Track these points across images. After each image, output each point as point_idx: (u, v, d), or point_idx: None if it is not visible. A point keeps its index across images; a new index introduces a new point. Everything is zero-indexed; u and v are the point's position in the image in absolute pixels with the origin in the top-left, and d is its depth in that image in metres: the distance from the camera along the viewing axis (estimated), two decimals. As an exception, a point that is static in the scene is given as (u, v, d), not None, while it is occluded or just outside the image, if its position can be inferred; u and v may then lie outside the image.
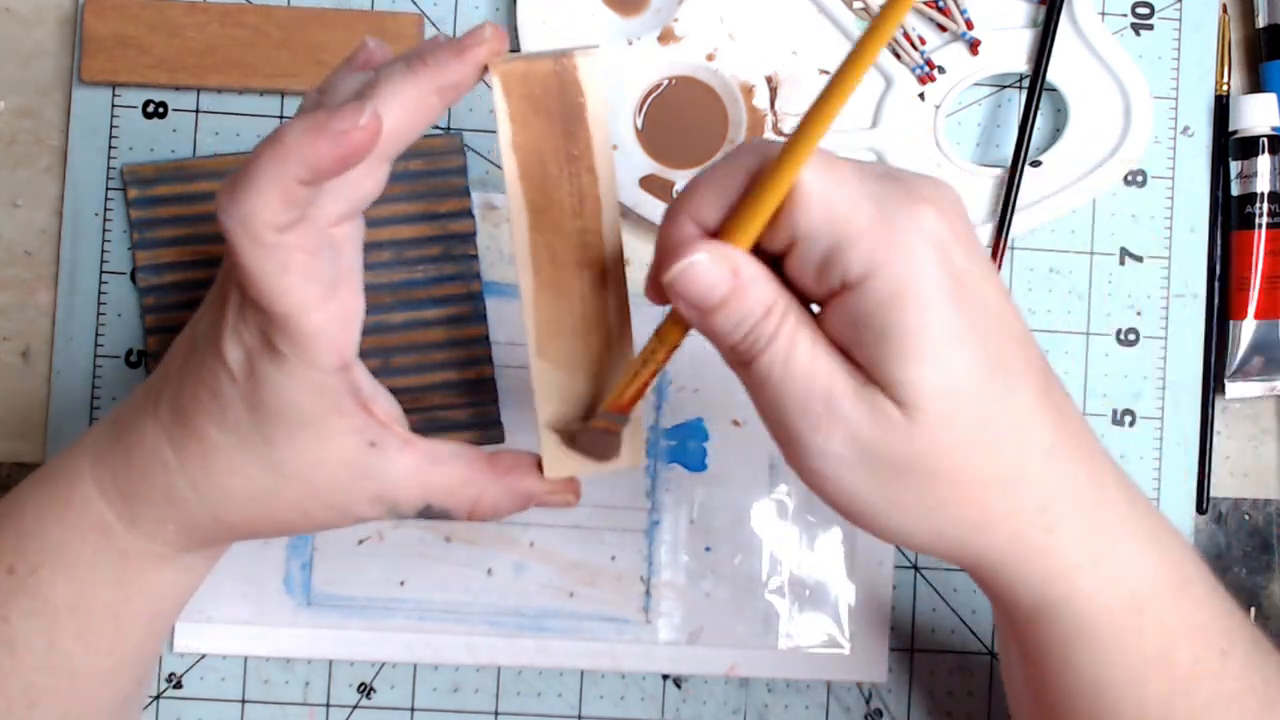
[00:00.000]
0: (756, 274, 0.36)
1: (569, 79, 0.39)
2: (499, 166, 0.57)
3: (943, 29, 0.58)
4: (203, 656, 0.56)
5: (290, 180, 0.36)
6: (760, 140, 0.37)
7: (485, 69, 0.38)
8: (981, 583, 0.41)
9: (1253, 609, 0.60)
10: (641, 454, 0.43)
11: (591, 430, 0.41)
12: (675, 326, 0.38)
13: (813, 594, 0.57)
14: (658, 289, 0.38)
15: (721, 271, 0.35)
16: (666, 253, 0.37)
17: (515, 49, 0.56)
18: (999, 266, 0.57)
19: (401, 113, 0.38)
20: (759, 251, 0.36)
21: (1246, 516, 0.60)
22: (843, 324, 0.36)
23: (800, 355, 0.36)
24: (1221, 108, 0.59)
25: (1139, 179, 0.59)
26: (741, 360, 0.37)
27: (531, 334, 0.41)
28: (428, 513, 0.42)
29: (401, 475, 0.41)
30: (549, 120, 0.39)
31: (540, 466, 0.43)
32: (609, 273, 0.41)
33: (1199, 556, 0.43)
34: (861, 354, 0.36)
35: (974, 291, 0.36)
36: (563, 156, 0.39)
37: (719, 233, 0.36)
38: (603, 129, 0.40)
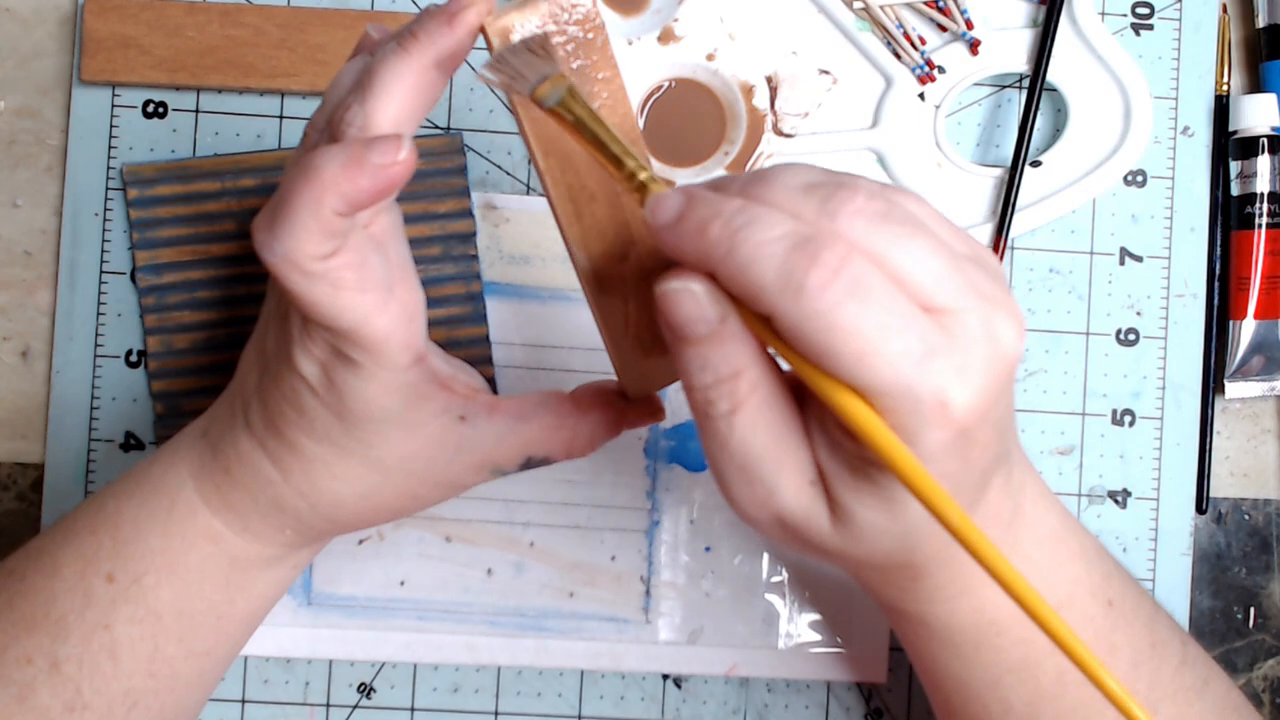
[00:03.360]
0: (740, 336, 0.34)
1: (568, 14, 0.38)
2: (499, 166, 0.57)
3: (943, 29, 0.58)
4: (203, 656, 0.56)
5: (329, 214, 0.35)
6: (825, 271, 0.31)
7: (481, 30, 0.37)
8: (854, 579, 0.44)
9: (1252, 609, 0.60)
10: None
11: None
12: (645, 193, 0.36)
13: (813, 594, 0.57)
14: (661, 229, 0.35)
15: (710, 313, 0.33)
16: (680, 250, 0.34)
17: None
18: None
19: (404, 93, 0.37)
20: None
21: (1246, 516, 0.60)
22: (824, 429, 0.34)
23: (756, 441, 0.34)
24: (1221, 108, 0.59)
25: (1139, 179, 0.59)
26: (696, 409, 0.35)
27: (581, 262, 0.39)
28: (529, 464, 0.43)
29: (496, 439, 0.42)
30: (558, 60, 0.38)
31: (618, 391, 0.43)
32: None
33: (1107, 571, 0.44)
34: (826, 461, 0.34)
35: (963, 457, 0.34)
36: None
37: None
38: (609, 47, 0.39)
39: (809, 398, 0.35)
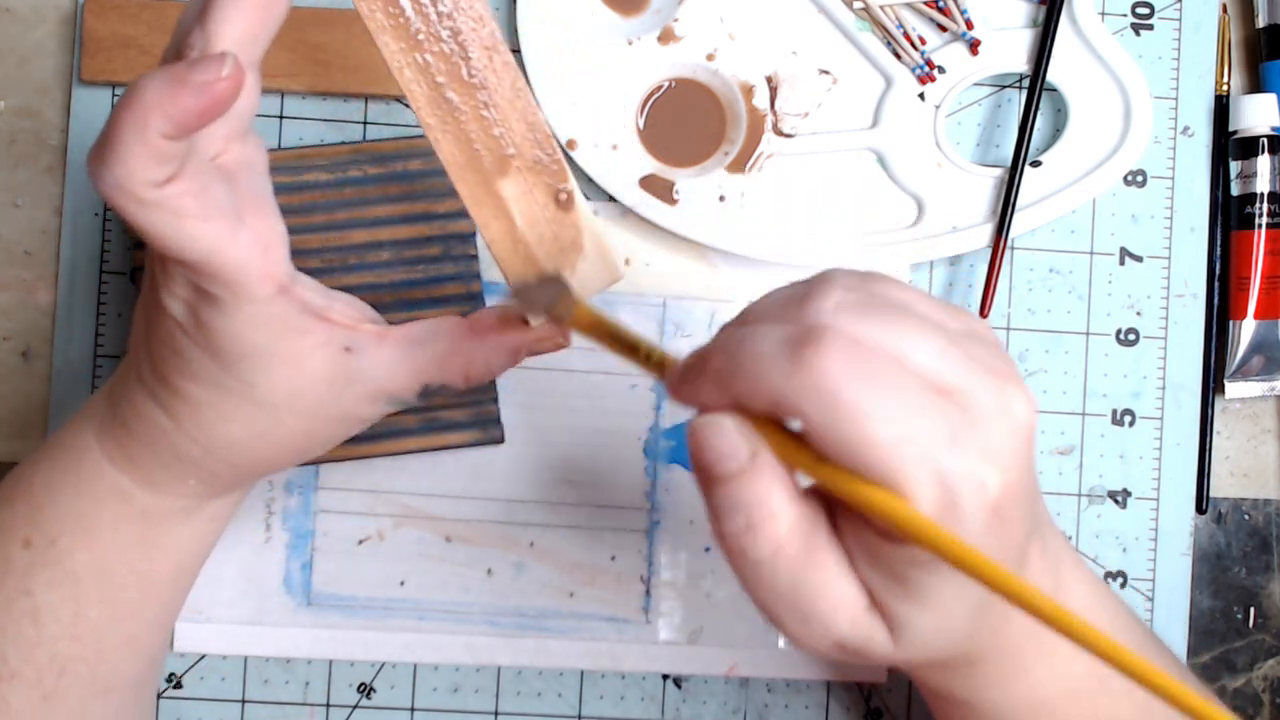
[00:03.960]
0: (774, 471, 0.33)
1: None
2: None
3: (943, 29, 0.58)
4: (203, 656, 0.56)
5: (155, 138, 0.34)
6: (825, 344, 0.31)
7: None
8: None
9: (1252, 609, 0.60)
10: (618, 265, 0.42)
11: (544, 280, 0.41)
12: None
13: (813, 594, 0.57)
14: (679, 389, 0.35)
15: (741, 447, 0.33)
16: (701, 399, 0.34)
17: (515, 50, 0.56)
18: (999, 267, 0.57)
19: (245, 17, 0.36)
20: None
21: (1246, 516, 0.60)
22: (862, 543, 0.34)
23: (805, 578, 0.34)
24: (1221, 108, 0.59)
25: (1139, 179, 0.59)
26: (731, 553, 0.34)
27: (466, 195, 0.41)
28: (427, 392, 0.42)
29: (387, 368, 0.41)
30: None
31: (520, 315, 0.42)
32: (524, 117, 0.41)
33: (1138, 636, 0.44)
34: (870, 578, 0.34)
35: (999, 537, 0.33)
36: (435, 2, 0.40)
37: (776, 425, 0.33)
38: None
39: (844, 525, 0.34)
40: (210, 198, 0.36)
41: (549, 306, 0.39)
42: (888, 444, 0.31)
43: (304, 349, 0.40)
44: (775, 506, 0.33)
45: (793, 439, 0.33)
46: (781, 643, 0.57)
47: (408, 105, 0.57)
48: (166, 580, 0.45)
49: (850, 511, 0.34)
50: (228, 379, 0.40)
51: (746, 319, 0.34)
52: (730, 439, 0.33)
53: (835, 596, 0.34)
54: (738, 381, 0.32)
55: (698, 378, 0.34)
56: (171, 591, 0.46)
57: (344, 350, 0.40)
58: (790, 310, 0.33)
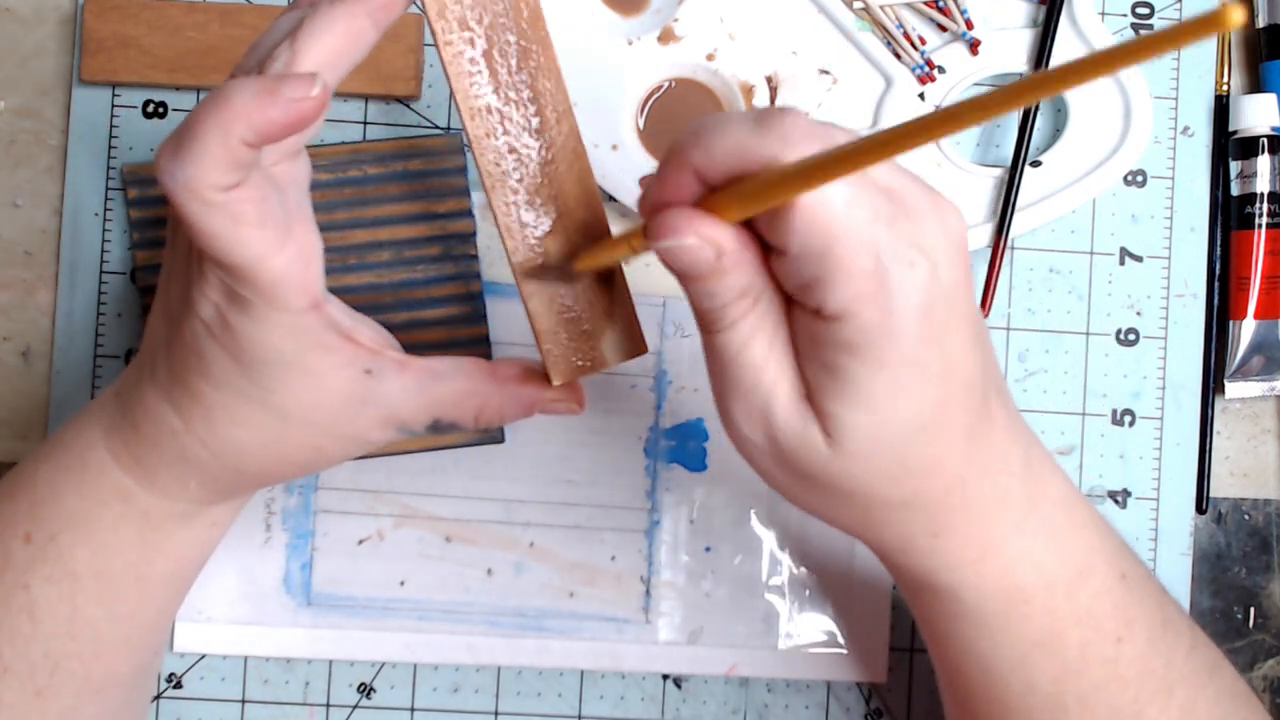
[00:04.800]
0: (740, 260, 0.36)
1: None
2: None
3: (943, 29, 0.58)
4: (203, 656, 0.56)
5: (236, 143, 0.35)
6: (793, 115, 0.34)
7: None
8: (879, 557, 0.43)
9: (1252, 609, 0.60)
10: (644, 341, 0.43)
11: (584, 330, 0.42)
12: (647, 241, 0.38)
13: (813, 594, 0.57)
14: (643, 210, 0.38)
15: (708, 253, 0.35)
16: (663, 199, 0.36)
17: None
18: (999, 267, 0.57)
19: (334, 39, 0.38)
20: (750, 224, 0.36)
21: (1246, 516, 0.60)
22: (806, 333, 0.36)
23: (755, 349, 0.37)
24: (1221, 108, 0.59)
25: (1139, 179, 0.59)
26: (701, 325, 0.38)
27: (511, 253, 0.41)
28: (436, 426, 0.43)
29: (403, 396, 0.42)
30: (489, 22, 0.40)
31: (542, 373, 0.43)
32: (581, 182, 0.41)
33: (1117, 544, 0.44)
34: (810, 369, 0.36)
35: (936, 345, 0.36)
36: (510, 55, 0.40)
37: (715, 195, 0.35)
38: (543, 19, 0.40)
39: (793, 323, 0.37)
40: (268, 207, 0.37)
41: None
42: (836, 204, 0.33)
43: (326, 365, 0.40)
44: (742, 287, 0.36)
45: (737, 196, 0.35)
46: (782, 643, 0.57)
47: (410, 107, 0.57)
48: (164, 582, 0.45)
49: (799, 310, 0.36)
50: (246, 384, 0.40)
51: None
52: (697, 252, 0.35)
53: (775, 374, 0.37)
54: (703, 151, 0.35)
55: (666, 172, 0.36)
56: (169, 594, 0.46)
57: (365, 373, 0.41)
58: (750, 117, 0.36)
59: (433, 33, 0.40)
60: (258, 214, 0.37)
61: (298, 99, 0.35)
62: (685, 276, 0.36)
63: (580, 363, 0.42)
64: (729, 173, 0.35)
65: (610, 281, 0.42)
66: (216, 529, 0.46)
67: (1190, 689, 0.44)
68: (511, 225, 0.41)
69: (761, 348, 0.36)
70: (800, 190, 0.33)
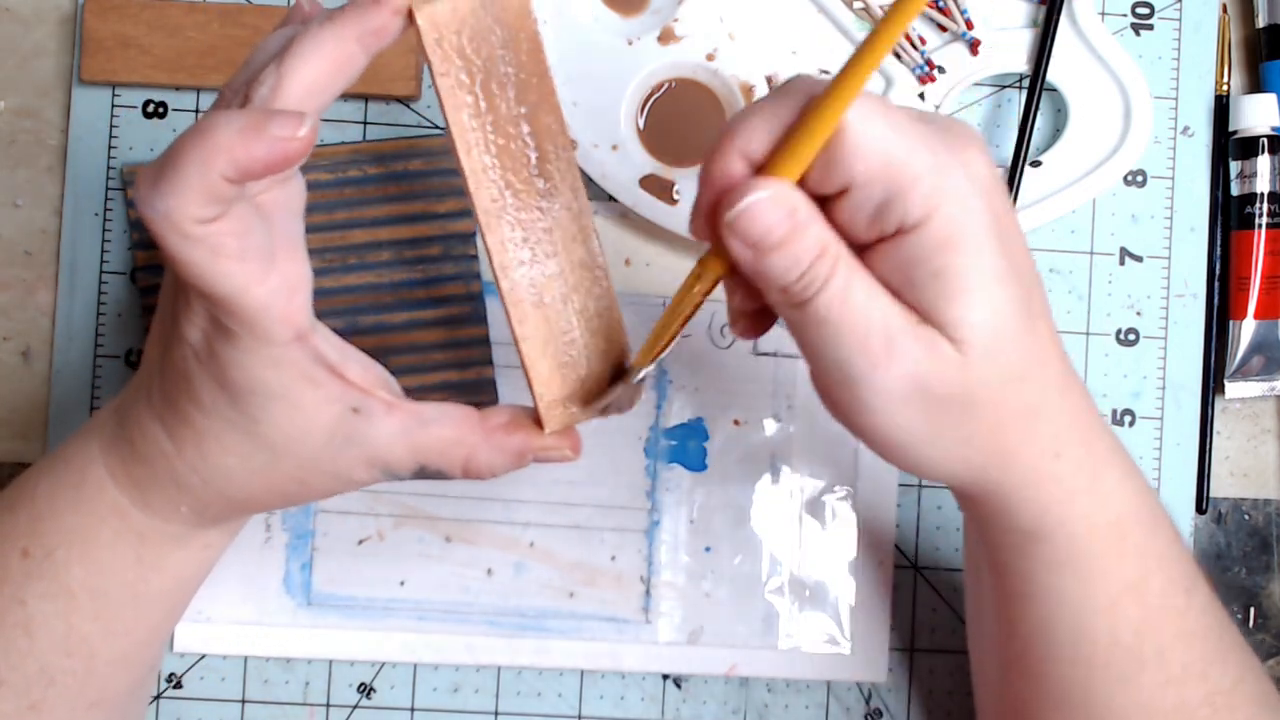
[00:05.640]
0: (812, 214, 0.36)
1: (500, 5, 0.38)
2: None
3: (943, 29, 0.58)
4: (203, 656, 0.56)
5: (216, 178, 0.35)
6: (806, 76, 0.37)
7: (409, 14, 0.37)
8: (982, 514, 0.43)
9: (1252, 609, 0.60)
10: (640, 387, 0.43)
11: (622, 387, 0.41)
12: (717, 260, 0.38)
13: (813, 594, 0.57)
14: (701, 225, 0.38)
15: (780, 212, 0.35)
16: (717, 189, 0.37)
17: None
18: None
19: (321, 63, 0.37)
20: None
21: (1246, 516, 0.60)
22: (893, 266, 0.37)
23: (858, 295, 0.36)
24: (1221, 108, 0.59)
25: (1139, 179, 0.59)
26: (794, 302, 0.37)
27: (505, 279, 0.40)
28: (423, 473, 0.42)
29: (389, 439, 0.41)
30: (486, 54, 0.38)
31: (535, 419, 0.42)
32: (578, 219, 0.41)
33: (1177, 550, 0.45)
34: (913, 295, 0.37)
35: (1009, 233, 0.37)
36: (509, 88, 0.39)
37: (766, 168, 0.36)
38: (542, 52, 0.39)
39: (872, 264, 0.37)
40: (250, 239, 0.37)
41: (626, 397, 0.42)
42: (879, 116, 0.35)
43: (312, 399, 0.40)
44: (823, 241, 0.36)
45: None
46: (782, 643, 0.57)
47: (410, 107, 0.57)
48: (160, 600, 0.45)
49: (877, 249, 0.37)
50: (233, 412, 0.40)
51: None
52: (770, 212, 0.35)
53: (885, 310, 0.37)
54: (742, 131, 0.36)
55: (712, 168, 0.37)
56: (164, 612, 0.46)
57: (351, 411, 0.40)
58: None
59: (428, 64, 0.38)
60: (238, 246, 0.36)
61: (284, 138, 0.35)
62: (763, 245, 0.36)
63: (575, 410, 0.42)
64: (771, 139, 0.36)
65: (607, 323, 0.42)
66: (211, 550, 0.46)
67: (1241, 654, 0.45)
68: (508, 264, 0.40)
69: (861, 292, 0.36)
70: (841, 110, 0.34)
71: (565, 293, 0.41)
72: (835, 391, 0.39)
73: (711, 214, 0.37)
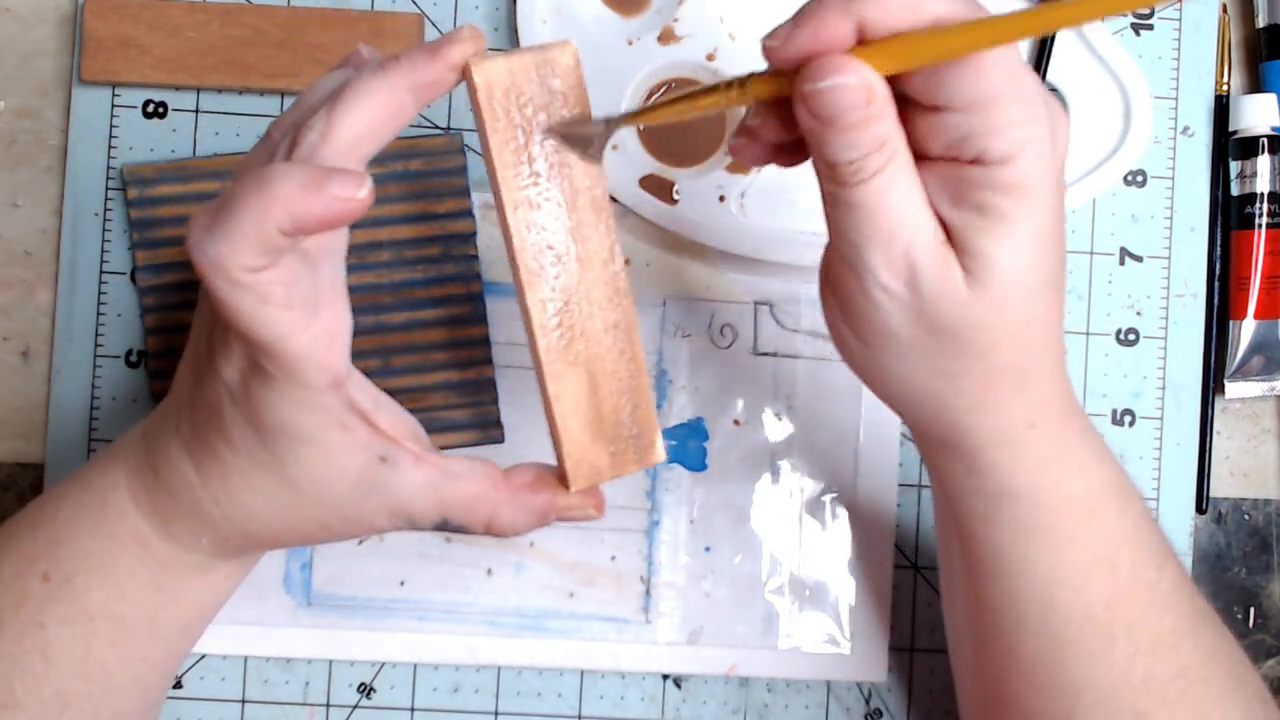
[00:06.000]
0: (886, 108, 0.36)
1: (551, 69, 0.38)
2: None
3: (943, 29, 0.58)
4: (203, 656, 0.56)
5: (272, 230, 0.35)
6: None
7: (465, 70, 0.38)
8: (945, 466, 0.43)
9: (1252, 609, 0.60)
10: (663, 448, 0.43)
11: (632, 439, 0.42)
12: (769, 82, 0.37)
13: (813, 594, 0.57)
14: (777, 50, 0.37)
15: (859, 98, 0.35)
16: (817, 41, 0.35)
17: (517, 46, 0.56)
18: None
19: (372, 112, 0.37)
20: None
21: (1246, 516, 0.60)
22: (948, 180, 0.37)
23: (897, 196, 0.37)
24: (1221, 108, 0.59)
25: (1139, 179, 0.59)
26: (838, 181, 0.37)
27: (538, 333, 0.40)
28: (444, 526, 0.42)
29: (414, 491, 0.41)
30: (534, 113, 0.38)
31: (559, 477, 0.42)
32: (614, 281, 0.41)
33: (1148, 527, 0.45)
34: (953, 214, 0.37)
35: (1061, 214, 0.38)
36: (549, 147, 0.39)
37: (869, 46, 0.35)
38: (589, 113, 0.39)
39: (926, 174, 0.38)
40: (296, 288, 0.37)
41: (601, 135, 0.40)
42: (1013, 59, 0.36)
43: (342, 445, 0.40)
44: (884, 136, 0.36)
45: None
46: (782, 643, 0.57)
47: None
48: (178, 628, 0.46)
49: (938, 162, 0.37)
50: (262, 451, 0.40)
51: None
52: (852, 97, 0.35)
53: (918, 218, 0.37)
54: (877, 2, 0.35)
55: (824, 17, 0.35)
56: (181, 638, 0.46)
57: (379, 459, 0.41)
58: None
59: (478, 120, 0.38)
60: (285, 295, 0.36)
61: (343, 198, 0.35)
62: (831, 123, 0.35)
63: (601, 468, 0.42)
64: (898, 26, 0.35)
65: (637, 382, 0.42)
66: (230, 580, 0.46)
67: (1215, 629, 0.45)
68: (546, 324, 0.40)
69: (902, 194, 0.37)
70: (980, 47, 0.34)
71: (599, 353, 0.41)
72: (840, 268, 0.39)
73: (793, 57, 0.36)
